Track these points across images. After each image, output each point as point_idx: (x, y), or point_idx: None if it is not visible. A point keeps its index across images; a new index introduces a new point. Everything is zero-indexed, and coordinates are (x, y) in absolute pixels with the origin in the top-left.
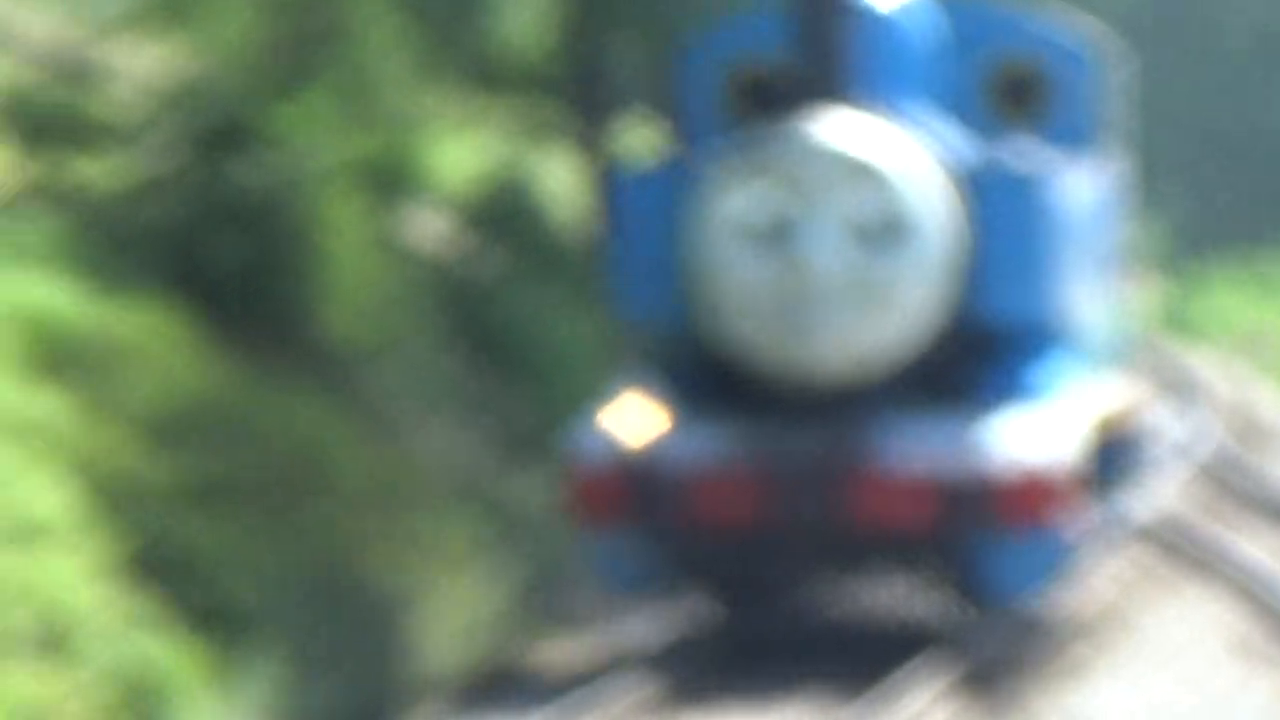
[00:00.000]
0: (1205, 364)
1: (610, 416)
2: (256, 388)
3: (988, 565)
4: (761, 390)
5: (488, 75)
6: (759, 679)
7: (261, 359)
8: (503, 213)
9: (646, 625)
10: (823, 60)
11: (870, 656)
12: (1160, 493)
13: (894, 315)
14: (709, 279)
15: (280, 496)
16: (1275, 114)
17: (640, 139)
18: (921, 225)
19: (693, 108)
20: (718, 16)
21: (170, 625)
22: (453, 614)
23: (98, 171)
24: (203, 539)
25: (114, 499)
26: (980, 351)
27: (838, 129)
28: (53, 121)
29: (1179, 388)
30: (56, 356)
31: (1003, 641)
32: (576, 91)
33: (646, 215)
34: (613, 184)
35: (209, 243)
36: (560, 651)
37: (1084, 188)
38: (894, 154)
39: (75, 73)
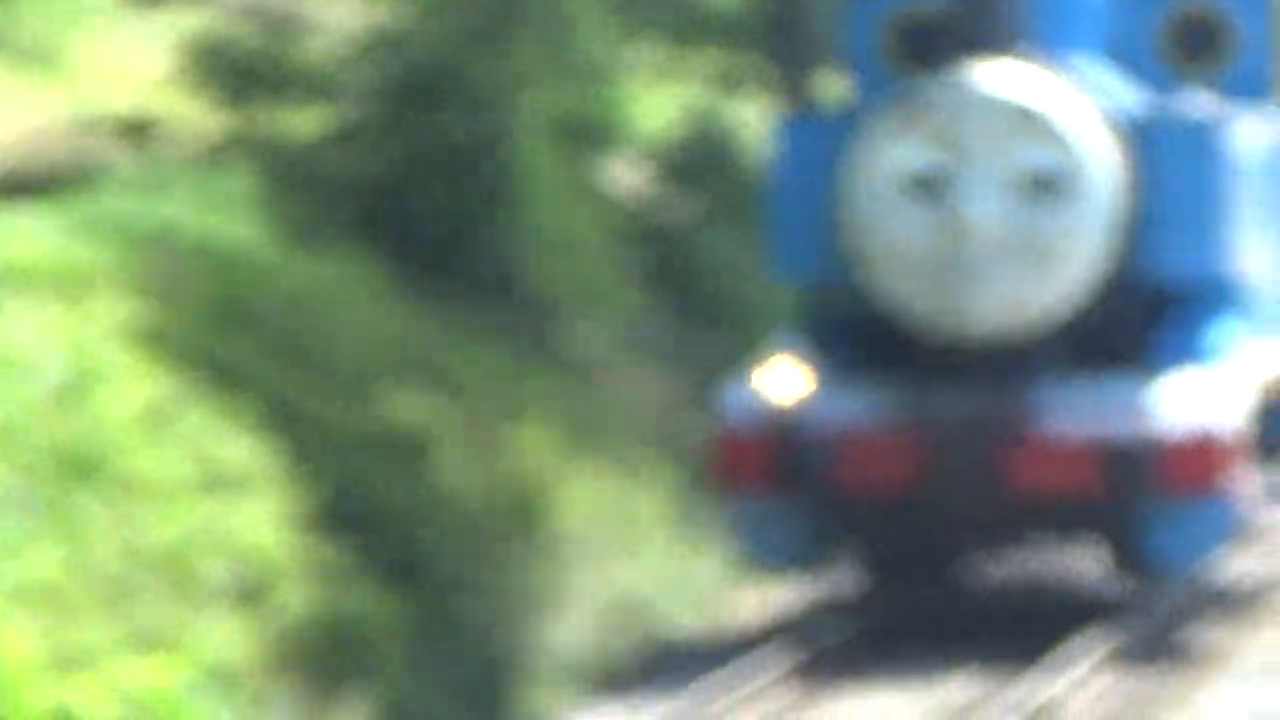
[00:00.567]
0: None
1: (762, 376)
2: (455, 336)
3: (1154, 533)
4: (917, 350)
5: (687, 26)
6: (913, 651)
7: (461, 307)
8: (699, 162)
9: (836, 576)
10: (987, 8)
11: (1029, 629)
12: None
13: (1057, 272)
14: (865, 233)
15: (477, 445)
16: None
17: (835, 89)
18: (1086, 178)
19: (859, 56)
20: None
21: (364, 576)
22: (660, 564)
23: (299, 122)
24: (394, 489)
25: (306, 448)
26: (1147, 310)
27: (1000, 79)
28: (254, 73)
29: None
30: (253, 303)
31: (1166, 613)
32: (774, 42)
33: (806, 167)
34: (778, 136)
35: (410, 193)
36: (759, 598)
37: (1259, 140)
38: (1058, 104)
39: (277, 25)
